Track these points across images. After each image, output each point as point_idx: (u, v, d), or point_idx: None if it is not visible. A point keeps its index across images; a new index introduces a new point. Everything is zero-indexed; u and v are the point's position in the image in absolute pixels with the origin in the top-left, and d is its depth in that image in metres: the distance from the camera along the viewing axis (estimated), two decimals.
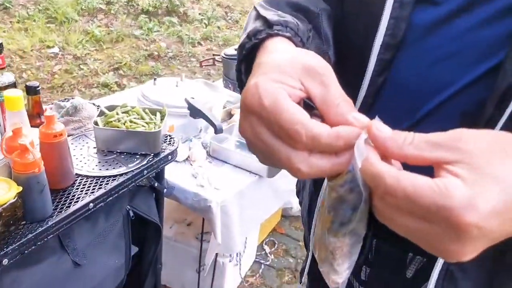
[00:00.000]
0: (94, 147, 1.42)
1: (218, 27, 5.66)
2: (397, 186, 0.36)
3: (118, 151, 1.41)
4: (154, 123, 1.43)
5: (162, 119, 1.45)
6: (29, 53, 4.23)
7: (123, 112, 1.45)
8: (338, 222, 0.44)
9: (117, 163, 1.37)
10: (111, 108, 1.46)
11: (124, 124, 1.39)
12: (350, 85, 0.53)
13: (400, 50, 0.60)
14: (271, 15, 0.59)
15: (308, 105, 0.45)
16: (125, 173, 1.32)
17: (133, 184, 1.34)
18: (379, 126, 0.40)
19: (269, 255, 2.52)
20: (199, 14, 5.75)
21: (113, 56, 4.47)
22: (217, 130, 1.77)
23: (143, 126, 1.40)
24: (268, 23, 0.57)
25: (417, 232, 0.37)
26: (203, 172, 1.76)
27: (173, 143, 1.49)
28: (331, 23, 0.65)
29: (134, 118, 1.43)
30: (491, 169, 0.36)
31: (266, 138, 0.44)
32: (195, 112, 1.85)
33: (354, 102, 0.61)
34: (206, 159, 1.86)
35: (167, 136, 1.51)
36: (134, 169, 1.34)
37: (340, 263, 0.44)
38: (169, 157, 1.45)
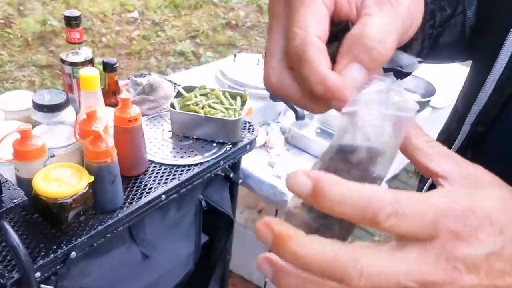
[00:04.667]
0: (169, 131, 1.33)
1: None
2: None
3: (194, 137, 1.31)
4: (234, 109, 1.31)
5: (242, 105, 1.33)
6: (109, 16, 4.24)
7: (201, 95, 1.34)
8: None
9: (192, 151, 1.27)
10: (189, 89, 1.36)
11: (203, 109, 1.28)
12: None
13: None
14: None
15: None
16: (201, 163, 1.22)
17: (208, 175, 1.24)
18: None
19: None
20: None
21: (190, 24, 4.40)
22: (299, 117, 1.61)
23: (222, 112, 1.29)
24: None
25: None
26: (280, 161, 1.63)
27: (253, 131, 1.37)
28: None
29: (213, 102, 1.32)
30: None
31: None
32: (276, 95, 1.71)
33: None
34: (284, 146, 1.73)
35: (246, 123, 1.39)
36: (211, 159, 1.24)
37: None
38: (248, 146, 1.33)
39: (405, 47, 0.40)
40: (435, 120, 2.10)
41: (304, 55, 0.31)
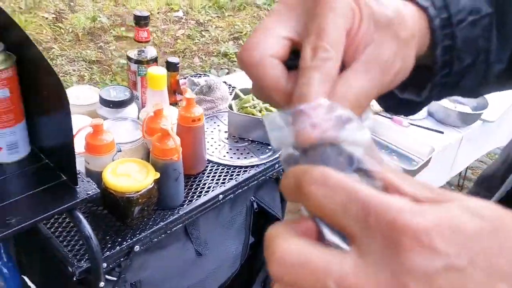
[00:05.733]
0: (225, 131, 1.35)
1: None
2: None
3: (250, 139, 1.33)
4: None
5: None
6: (155, 15, 4.32)
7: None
8: None
9: (248, 153, 1.29)
10: (245, 91, 1.38)
11: (260, 112, 1.30)
12: None
13: None
14: None
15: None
16: (257, 165, 1.24)
17: (263, 177, 1.26)
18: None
19: None
20: None
21: (234, 25, 4.44)
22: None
23: None
24: None
25: None
26: None
27: None
28: None
29: (270, 105, 1.33)
30: None
31: None
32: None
33: None
34: None
35: None
36: (266, 162, 1.25)
37: None
38: None
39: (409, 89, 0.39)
40: (486, 133, 2.06)
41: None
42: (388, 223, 0.22)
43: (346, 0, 0.32)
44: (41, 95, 0.91)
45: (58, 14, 3.94)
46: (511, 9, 0.40)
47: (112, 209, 1.00)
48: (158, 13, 4.39)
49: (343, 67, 0.32)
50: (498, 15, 0.39)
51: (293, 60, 0.32)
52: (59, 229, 0.99)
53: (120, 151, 1.05)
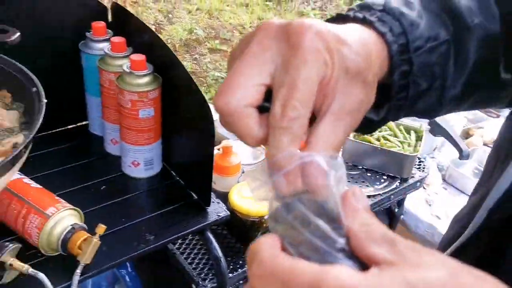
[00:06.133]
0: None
1: None
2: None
3: (364, 167, 1.29)
4: (409, 143, 1.28)
5: (417, 140, 1.29)
6: (247, 29, 4.41)
7: None
8: None
9: (363, 181, 1.26)
10: None
11: (378, 140, 1.27)
12: None
13: None
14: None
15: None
16: (373, 196, 1.20)
17: (378, 208, 1.22)
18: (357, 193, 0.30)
19: None
20: None
21: None
22: (463, 156, 1.54)
23: (397, 145, 1.26)
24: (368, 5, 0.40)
25: None
26: (438, 200, 1.56)
27: (424, 168, 1.32)
28: (484, 46, 0.43)
29: (387, 134, 1.29)
30: None
31: None
32: (437, 130, 1.64)
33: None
34: (441, 184, 1.65)
35: (416, 159, 1.35)
36: (382, 193, 1.22)
37: None
38: (418, 184, 1.29)
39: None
40: None
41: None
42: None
43: (320, 51, 0.33)
44: (180, 115, 0.94)
45: (157, 25, 4.13)
46: (467, 36, 0.41)
47: (235, 230, 1.01)
48: (250, 27, 4.48)
49: (313, 113, 0.34)
50: (455, 42, 0.41)
51: (266, 101, 0.34)
52: (183, 245, 1.01)
53: (244, 172, 1.06)
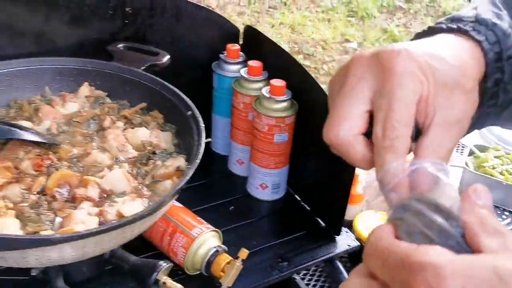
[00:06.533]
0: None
1: None
2: None
3: None
4: None
5: None
6: (330, 44, 4.39)
7: (495, 157, 1.26)
8: None
9: None
10: (481, 147, 1.29)
11: (501, 174, 1.20)
12: None
13: None
14: (483, 10, 0.42)
15: None
16: None
17: None
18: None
19: None
20: None
21: None
22: None
23: None
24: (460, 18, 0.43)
25: None
26: None
27: None
28: None
29: (510, 167, 1.22)
30: None
31: None
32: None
33: None
34: None
35: None
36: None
37: None
38: None
39: None
40: None
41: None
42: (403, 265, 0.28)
43: (413, 73, 0.35)
44: (310, 139, 0.93)
45: None
46: None
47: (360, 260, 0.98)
48: (332, 42, 4.45)
49: (418, 130, 0.37)
50: None
51: (371, 125, 0.38)
52: (307, 275, 1.00)
53: (367, 200, 1.04)
